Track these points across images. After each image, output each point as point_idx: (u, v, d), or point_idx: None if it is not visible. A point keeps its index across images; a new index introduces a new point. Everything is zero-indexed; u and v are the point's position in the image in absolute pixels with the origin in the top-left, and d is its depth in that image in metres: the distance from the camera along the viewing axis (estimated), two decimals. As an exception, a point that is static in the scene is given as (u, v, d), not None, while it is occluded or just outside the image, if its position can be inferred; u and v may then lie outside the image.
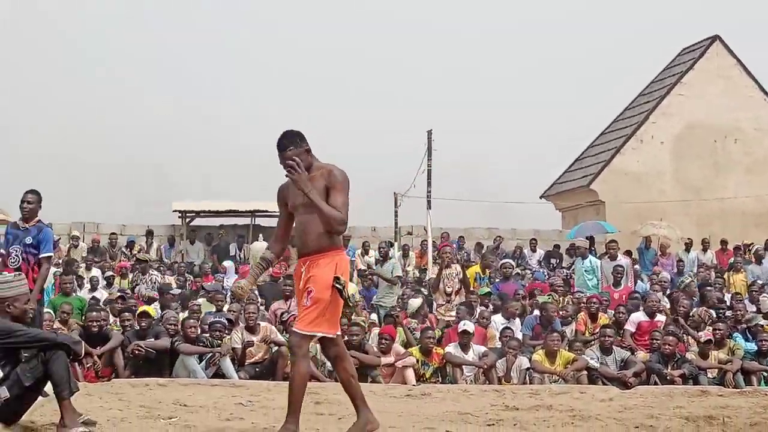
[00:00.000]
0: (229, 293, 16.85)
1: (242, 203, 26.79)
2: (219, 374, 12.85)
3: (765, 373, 13.58)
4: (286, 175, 7.35)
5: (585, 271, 18.86)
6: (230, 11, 56.24)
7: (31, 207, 11.49)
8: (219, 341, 13.26)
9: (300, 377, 7.39)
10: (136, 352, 12.66)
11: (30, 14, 51.38)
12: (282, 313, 15.19)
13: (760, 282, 19.73)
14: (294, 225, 7.61)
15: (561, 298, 16.93)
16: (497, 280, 19.35)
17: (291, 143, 7.42)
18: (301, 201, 7.39)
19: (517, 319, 15.35)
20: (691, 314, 15.61)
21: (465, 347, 13.37)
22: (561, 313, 15.27)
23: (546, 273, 22.72)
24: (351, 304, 7.71)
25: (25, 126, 44.79)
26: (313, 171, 7.41)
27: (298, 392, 7.37)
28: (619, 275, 17.88)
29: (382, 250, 20.73)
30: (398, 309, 15.87)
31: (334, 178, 7.37)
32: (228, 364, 12.97)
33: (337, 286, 7.28)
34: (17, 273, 8.64)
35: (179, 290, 18.16)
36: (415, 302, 15.88)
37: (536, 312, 15.52)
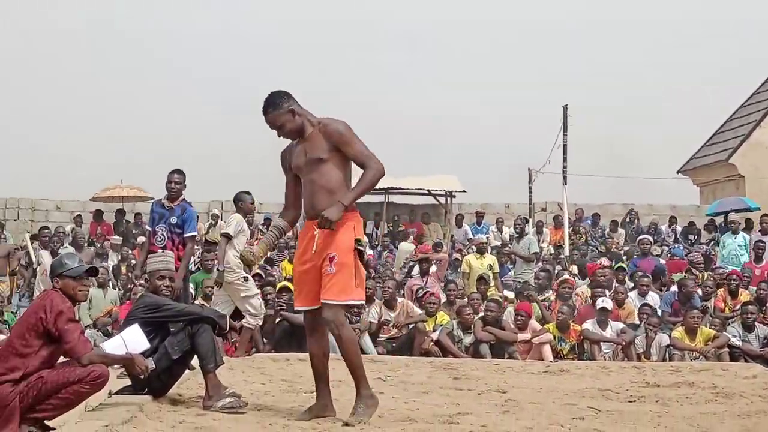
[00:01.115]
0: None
1: (375, 180, 26.90)
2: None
3: None
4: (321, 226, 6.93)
5: (738, 245, 18.49)
6: None
7: (178, 187, 11.72)
8: (357, 317, 13.39)
9: (351, 343, 7.14)
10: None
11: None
12: (418, 289, 15.26)
13: None
14: (302, 186, 7.22)
15: (700, 275, 16.63)
16: (635, 255, 19.12)
17: (270, 105, 7.11)
18: (304, 160, 7.10)
19: (655, 295, 15.15)
20: None
21: (603, 324, 13.26)
22: (701, 289, 15.01)
23: (684, 249, 22.32)
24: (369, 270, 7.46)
25: (167, 105, 45.81)
26: (308, 128, 7.11)
27: (357, 359, 7.12)
28: (761, 251, 17.47)
29: (517, 227, 20.65)
30: (534, 285, 15.81)
31: (338, 132, 7.03)
32: (367, 340, 13.10)
33: (359, 248, 7.02)
34: (164, 251, 8.86)
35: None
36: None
37: (674, 288, 15.31)
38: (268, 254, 5.99)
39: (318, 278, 7.02)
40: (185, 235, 11.54)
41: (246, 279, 12.07)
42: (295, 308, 7.52)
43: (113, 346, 7.47)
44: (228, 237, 12.04)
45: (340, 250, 6.96)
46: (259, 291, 12.76)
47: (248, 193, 12.64)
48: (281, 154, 7.39)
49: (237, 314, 11.93)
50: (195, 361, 8.26)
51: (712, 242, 23.13)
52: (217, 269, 12.18)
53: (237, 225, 12.13)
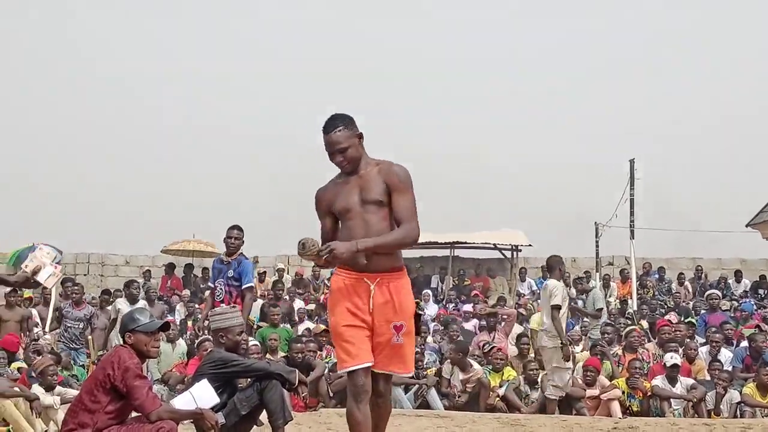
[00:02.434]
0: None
1: (441, 235, 26.92)
2: (424, 404, 12.97)
3: None
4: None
5: None
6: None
7: (237, 242, 11.87)
8: (424, 371, 13.39)
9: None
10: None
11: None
12: (484, 344, 15.20)
13: None
14: (345, 230, 6.40)
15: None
16: (703, 311, 18.93)
17: (341, 122, 6.37)
18: (357, 201, 6.33)
19: (727, 351, 14.97)
20: None
21: (672, 380, 13.11)
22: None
23: (754, 303, 22.04)
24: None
25: (228, 166, 46.26)
26: (364, 165, 6.41)
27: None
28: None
29: (579, 286, 20.45)
30: (604, 341, 15.68)
31: (398, 176, 6.34)
32: (434, 395, 13.07)
33: (420, 311, 6.54)
34: (232, 306, 8.97)
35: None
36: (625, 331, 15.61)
37: (744, 343, 15.12)
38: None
39: (368, 337, 6.36)
40: (243, 287, 11.63)
41: (564, 348, 12.36)
42: (349, 368, 6.32)
43: (183, 401, 7.54)
44: (558, 308, 12.24)
45: (407, 318, 6.39)
46: (571, 366, 12.88)
47: (558, 257, 12.95)
48: (317, 195, 6.56)
49: (302, 369, 11.97)
50: (264, 417, 8.31)
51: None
52: (562, 343, 12.32)
53: (563, 293, 12.39)
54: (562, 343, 12.13)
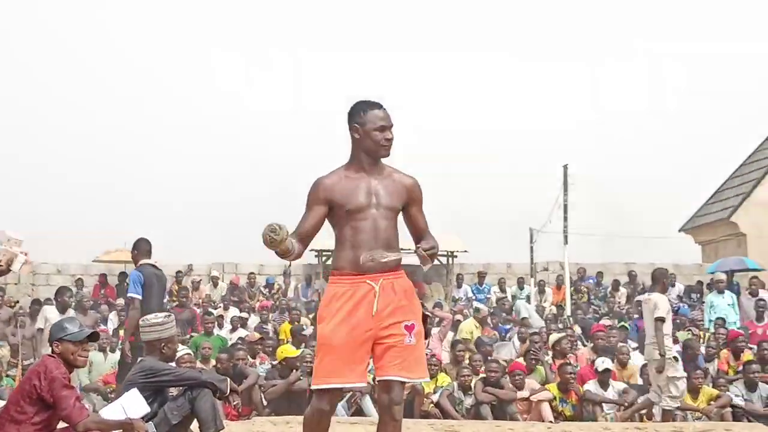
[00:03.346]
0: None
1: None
2: (359, 412, 12.95)
3: None
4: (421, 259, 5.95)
5: (727, 305, 18.53)
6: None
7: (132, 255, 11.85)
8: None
9: None
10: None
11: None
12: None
13: None
14: (350, 231, 6.00)
15: (703, 334, 16.62)
16: (636, 316, 19.11)
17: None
18: (374, 201, 5.99)
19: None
20: None
21: (604, 384, 13.22)
22: (704, 349, 15.00)
23: (689, 307, 22.30)
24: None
25: (165, 170, 45.93)
26: (384, 169, 6.12)
27: None
28: (761, 309, 17.53)
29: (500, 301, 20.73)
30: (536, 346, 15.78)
31: (420, 189, 6.18)
32: (368, 402, 13.05)
33: (426, 312, 6.17)
34: (168, 314, 8.89)
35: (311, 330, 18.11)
36: (554, 336, 15.73)
37: (677, 348, 15.28)
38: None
39: (367, 351, 5.95)
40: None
41: (676, 359, 12.32)
42: (345, 384, 6.03)
43: (112, 411, 7.47)
44: (663, 320, 12.19)
45: (417, 317, 6.01)
46: (685, 374, 12.78)
47: (662, 269, 13.06)
48: (320, 181, 6.04)
49: (235, 377, 11.90)
50: (195, 426, 8.24)
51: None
52: (660, 354, 12.20)
53: (667, 306, 12.38)
54: (660, 355, 12.20)
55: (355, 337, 5.85)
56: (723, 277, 21.10)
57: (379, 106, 6.03)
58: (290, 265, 26.48)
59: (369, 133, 5.99)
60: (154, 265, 11.79)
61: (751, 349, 15.29)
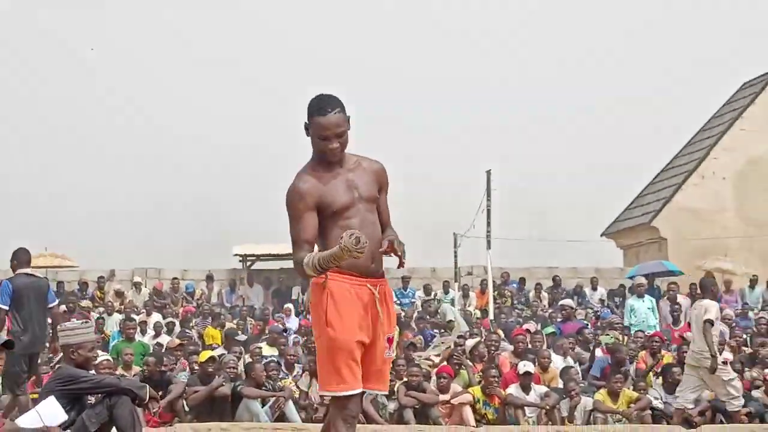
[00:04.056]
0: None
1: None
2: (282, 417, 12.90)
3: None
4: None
5: (647, 308, 18.82)
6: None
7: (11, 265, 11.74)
8: (278, 383, 13.32)
9: None
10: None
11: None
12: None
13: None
14: (339, 231, 5.49)
15: (623, 337, 16.82)
16: (558, 320, 19.29)
17: (339, 105, 5.68)
18: (356, 196, 5.67)
19: (569, 358, 15.27)
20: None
21: (526, 388, 13.31)
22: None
23: (611, 311, 22.57)
24: None
25: (87, 174, 45.43)
26: (349, 161, 5.75)
27: None
28: (677, 312, 17.89)
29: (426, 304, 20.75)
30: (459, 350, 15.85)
31: (386, 174, 5.89)
32: (291, 408, 13.00)
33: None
34: (85, 321, 8.79)
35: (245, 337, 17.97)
36: (470, 342, 15.80)
37: (598, 353, 15.45)
38: None
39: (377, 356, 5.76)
40: None
41: (725, 363, 12.50)
42: (349, 391, 5.64)
43: (29, 420, 7.37)
44: (712, 323, 12.29)
45: (394, 329, 5.87)
46: (736, 374, 12.88)
47: (710, 278, 13.17)
48: (302, 189, 5.61)
49: (158, 385, 11.79)
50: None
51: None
52: (711, 355, 12.25)
53: (717, 311, 12.54)
54: (712, 355, 12.34)
55: (364, 342, 5.65)
56: (643, 281, 21.40)
57: (325, 111, 5.59)
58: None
59: (314, 139, 5.68)
60: (30, 274, 11.68)
61: (669, 351, 15.52)
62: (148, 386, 8.61)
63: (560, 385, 13.98)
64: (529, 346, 15.44)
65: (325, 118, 5.57)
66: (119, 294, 23.07)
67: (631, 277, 26.22)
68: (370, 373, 5.69)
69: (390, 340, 5.74)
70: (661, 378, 14.00)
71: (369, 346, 5.66)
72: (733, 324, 18.64)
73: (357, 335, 5.59)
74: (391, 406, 13.13)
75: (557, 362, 14.88)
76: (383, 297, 5.68)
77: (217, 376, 13.03)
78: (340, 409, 5.65)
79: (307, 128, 5.68)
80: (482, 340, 15.90)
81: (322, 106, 5.60)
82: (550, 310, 22.26)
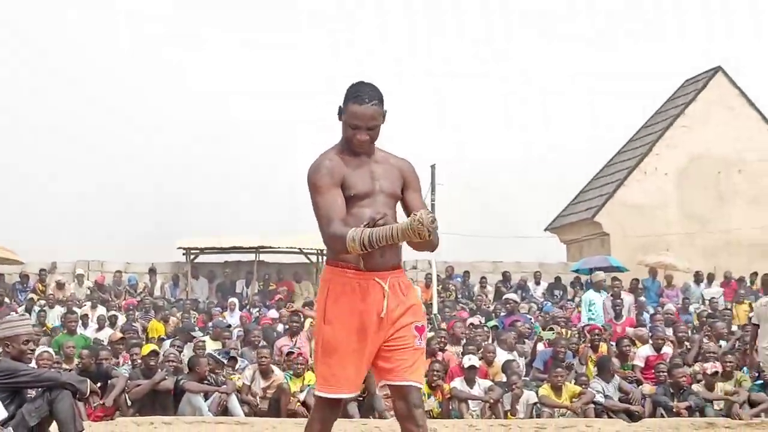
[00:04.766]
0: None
1: (247, 239, 26.79)
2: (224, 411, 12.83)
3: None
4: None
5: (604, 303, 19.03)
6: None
7: None
8: (220, 377, 13.26)
9: None
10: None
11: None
12: (288, 350, 15.14)
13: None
14: (351, 218, 5.35)
15: (565, 331, 16.93)
16: (502, 314, 19.37)
17: (378, 97, 5.49)
18: (377, 186, 5.47)
19: (515, 353, 15.34)
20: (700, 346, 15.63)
21: (470, 382, 13.34)
22: (567, 347, 15.29)
23: (553, 305, 22.72)
24: None
25: (30, 164, 44.90)
26: (377, 154, 5.58)
27: None
28: (619, 307, 18.04)
29: None
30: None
31: (414, 173, 5.69)
32: (234, 402, 12.94)
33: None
34: (22, 315, 8.68)
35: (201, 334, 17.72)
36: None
37: (540, 346, 15.53)
38: None
39: (369, 359, 5.50)
40: None
41: None
42: (332, 394, 5.50)
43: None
44: (757, 326, 12.45)
45: (425, 318, 5.61)
46: None
47: None
48: (328, 164, 5.44)
49: (97, 378, 11.67)
50: (55, 428, 8.07)
51: (578, 299, 23.63)
52: None
53: None
54: None
55: (364, 341, 5.40)
56: (602, 275, 21.57)
57: (362, 101, 5.42)
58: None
59: (345, 125, 5.50)
60: None
61: (610, 345, 15.68)
62: (89, 380, 8.53)
63: (503, 378, 14.04)
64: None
65: (360, 107, 5.40)
66: (60, 286, 22.83)
67: (575, 271, 26.45)
68: (403, 364, 5.42)
69: (420, 329, 5.47)
70: (597, 369, 14.16)
71: (387, 341, 5.43)
72: (675, 319, 18.84)
73: (350, 342, 5.39)
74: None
75: (502, 356, 14.92)
76: (395, 290, 5.43)
77: (159, 370, 12.94)
78: (321, 409, 5.55)
79: (341, 112, 5.50)
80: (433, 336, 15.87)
81: (360, 94, 5.42)
82: (495, 304, 22.35)
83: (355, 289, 5.38)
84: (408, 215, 5.43)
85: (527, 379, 14.33)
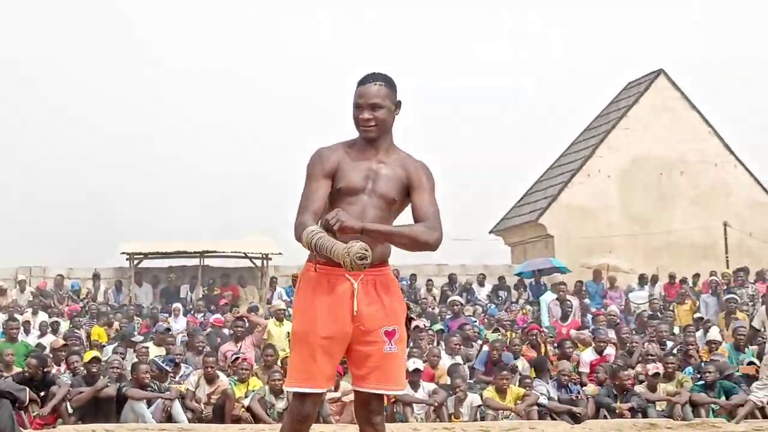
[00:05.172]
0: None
1: (191, 243, 26.63)
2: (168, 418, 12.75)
3: (713, 406, 13.67)
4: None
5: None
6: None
7: None
8: (162, 383, 13.18)
9: None
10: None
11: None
12: (233, 355, 15.06)
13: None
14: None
15: (510, 333, 17.03)
16: (448, 317, 19.41)
17: (385, 81, 5.42)
18: (370, 185, 5.32)
19: (458, 356, 15.39)
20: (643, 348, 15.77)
21: (415, 385, 13.36)
22: (508, 348, 15.37)
23: (497, 308, 22.79)
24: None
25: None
26: (388, 147, 5.44)
27: None
28: (569, 310, 18.16)
29: None
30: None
31: (423, 171, 5.43)
32: (177, 408, 12.86)
33: (411, 316, 5.54)
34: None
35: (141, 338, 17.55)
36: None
37: (485, 348, 15.60)
38: None
39: (342, 354, 5.37)
40: None
41: None
42: (302, 389, 5.33)
43: None
44: (757, 330, 12.43)
45: (400, 321, 5.36)
46: None
47: None
48: (322, 151, 5.41)
49: (39, 387, 11.55)
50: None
51: (523, 301, 23.76)
52: None
53: None
54: None
55: (336, 339, 5.27)
56: (561, 277, 21.75)
57: (366, 81, 5.38)
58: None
59: (352, 111, 5.44)
60: None
61: (553, 346, 15.81)
62: (27, 389, 8.44)
63: (448, 381, 14.09)
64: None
65: (363, 87, 5.35)
66: (2, 292, 22.55)
67: (518, 274, 26.55)
68: (367, 371, 5.30)
69: (389, 334, 5.27)
70: (534, 370, 14.30)
71: (355, 342, 5.30)
72: (618, 321, 18.96)
73: (322, 330, 5.24)
74: (280, 405, 13.07)
75: (446, 360, 14.97)
76: (368, 288, 5.27)
77: (102, 377, 12.84)
78: (293, 406, 5.40)
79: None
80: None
81: (366, 77, 5.40)
82: (441, 307, 22.38)
83: (323, 284, 5.26)
84: (414, 218, 5.32)
85: (472, 381, 14.38)
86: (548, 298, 20.08)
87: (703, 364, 14.83)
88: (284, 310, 17.63)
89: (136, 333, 17.58)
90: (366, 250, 4.91)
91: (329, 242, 4.96)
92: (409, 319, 5.46)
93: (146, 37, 53.30)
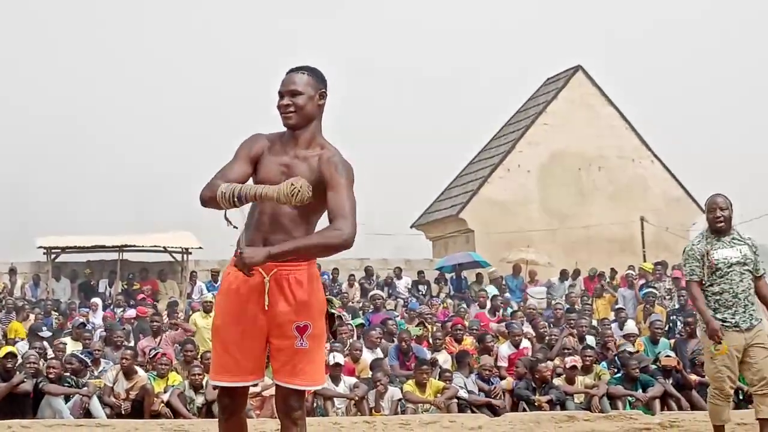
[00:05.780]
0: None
1: (110, 238, 26.34)
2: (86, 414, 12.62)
3: (630, 398, 13.86)
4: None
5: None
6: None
7: None
8: (80, 378, 13.05)
9: None
10: None
11: None
12: (151, 350, 14.93)
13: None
14: (253, 208, 5.30)
15: (431, 327, 17.10)
16: (369, 311, 19.45)
17: (310, 71, 5.38)
18: (284, 174, 5.21)
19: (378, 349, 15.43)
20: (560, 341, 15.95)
21: (335, 379, 13.36)
22: (429, 341, 15.46)
23: (418, 302, 22.89)
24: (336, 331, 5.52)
25: None
26: (308, 141, 5.32)
27: None
28: (501, 304, 18.49)
29: None
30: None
31: (335, 167, 5.20)
32: (95, 404, 12.74)
33: (332, 311, 5.45)
34: None
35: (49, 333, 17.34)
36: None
37: (395, 342, 15.66)
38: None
39: (262, 347, 5.32)
40: None
41: None
42: (217, 382, 5.42)
43: None
44: None
45: (313, 317, 5.29)
46: None
47: None
48: (255, 136, 5.37)
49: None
50: None
51: (444, 295, 23.91)
52: None
53: None
54: None
55: (248, 332, 5.25)
56: (498, 272, 21.93)
57: (289, 71, 5.35)
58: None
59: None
60: None
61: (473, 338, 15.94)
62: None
63: (369, 375, 14.12)
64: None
65: (286, 76, 5.33)
66: None
67: (439, 269, 26.71)
68: (279, 365, 5.30)
69: (301, 330, 5.21)
70: (456, 364, 14.40)
71: (271, 336, 5.27)
72: (535, 314, 19.18)
73: (233, 325, 5.26)
74: (200, 400, 13.00)
75: (366, 354, 14.99)
76: (280, 283, 5.20)
77: (18, 372, 12.66)
78: (217, 399, 5.52)
79: None
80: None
81: (300, 66, 5.39)
82: (363, 300, 22.42)
83: (239, 278, 5.20)
84: (328, 216, 5.18)
85: (392, 375, 14.42)
86: (491, 292, 20.33)
87: (617, 358, 15.03)
88: (211, 302, 17.52)
89: (44, 328, 17.31)
90: (294, 183, 4.93)
91: (257, 188, 5.01)
92: (330, 315, 5.39)
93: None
